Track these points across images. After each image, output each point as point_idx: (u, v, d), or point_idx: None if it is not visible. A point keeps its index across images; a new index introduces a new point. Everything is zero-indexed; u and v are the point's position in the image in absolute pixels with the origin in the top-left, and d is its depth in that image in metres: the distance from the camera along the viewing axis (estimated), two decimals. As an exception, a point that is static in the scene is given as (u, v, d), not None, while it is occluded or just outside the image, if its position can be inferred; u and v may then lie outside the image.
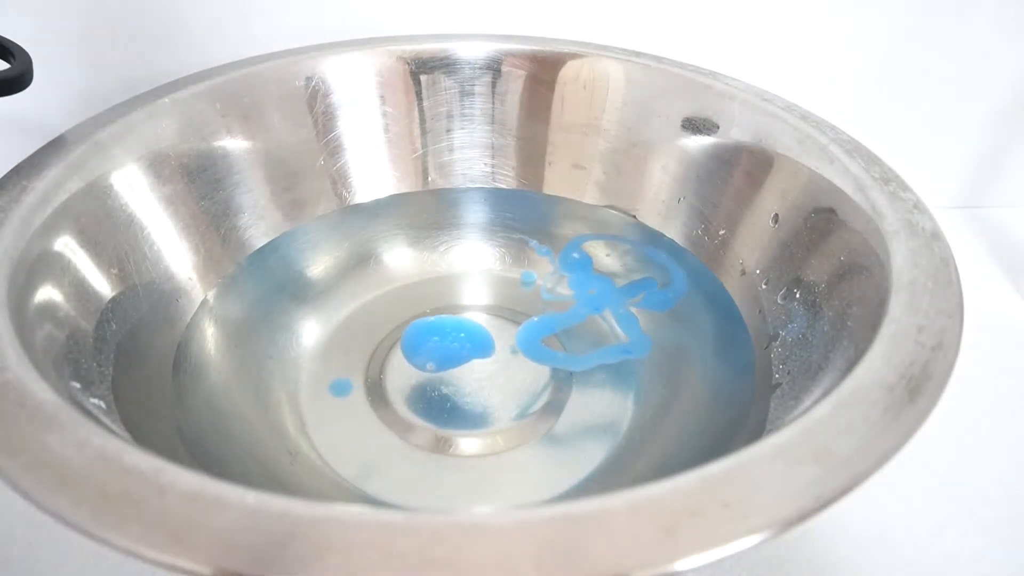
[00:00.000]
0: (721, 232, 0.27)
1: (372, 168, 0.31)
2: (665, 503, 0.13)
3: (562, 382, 0.27)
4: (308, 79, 0.29)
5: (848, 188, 0.23)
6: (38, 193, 0.21)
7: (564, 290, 0.31)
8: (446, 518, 0.12)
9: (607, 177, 0.31)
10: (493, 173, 0.32)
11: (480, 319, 0.29)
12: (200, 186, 0.26)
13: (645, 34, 0.34)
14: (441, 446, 0.25)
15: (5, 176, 0.21)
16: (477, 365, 0.27)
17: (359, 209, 0.31)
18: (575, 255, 0.31)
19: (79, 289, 0.21)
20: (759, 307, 0.25)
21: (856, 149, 0.24)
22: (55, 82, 0.31)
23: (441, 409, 0.26)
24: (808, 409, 0.15)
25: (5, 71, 0.22)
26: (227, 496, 0.13)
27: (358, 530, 0.12)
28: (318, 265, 0.30)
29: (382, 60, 0.30)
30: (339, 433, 0.25)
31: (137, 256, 0.24)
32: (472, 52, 0.31)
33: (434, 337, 0.27)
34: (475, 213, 0.32)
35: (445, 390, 0.26)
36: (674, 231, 0.29)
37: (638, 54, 0.30)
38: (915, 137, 0.39)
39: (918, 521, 0.24)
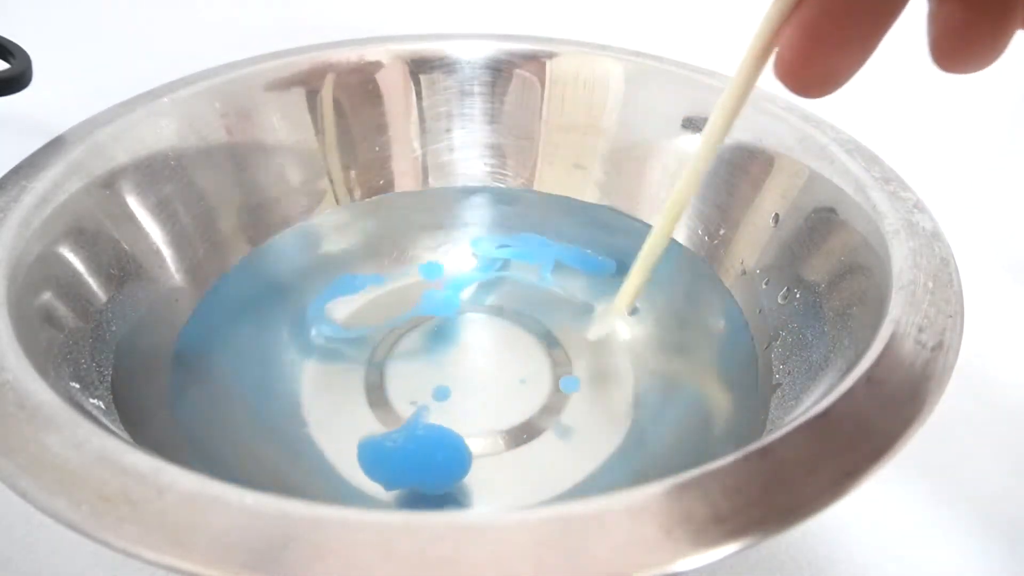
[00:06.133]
0: (721, 231, 0.27)
1: (372, 168, 0.31)
2: (665, 503, 0.13)
3: (561, 383, 0.27)
4: (308, 79, 0.29)
5: (848, 188, 0.23)
6: (37, 193, 0.21)
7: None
8: (446, 518, 0.12)
9: (607, 177, 0.31)
10: (493, 173, 0.32)
11: (479, 318, 0.29)
12: (199, 186, 0.26)
13: (645, 34, 0.34)
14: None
15: (5, 176, 0.21)
16: (478, 360, 0.27)
17: (359, 209, 0.31)
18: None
19: (78, 289, 0.21)
20: (759, 307, 0.25)
21: (856, 149, 0.24)
22: (55, 82, 0.31)
23: (441, 410, 0.26)
24: (808, 409, 0.15)
25: (5, 71, 0.22)
26: (226, 497, 0.13)
27: (358, 530, 0.12)
28: (317, 265, 0.30)
29: (382, 60, 0.30)
30: (340, 433, 0.25)
31: (136, 256, 0.24)
32: (472, 52, 0.31)
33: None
34: (475, 213, 0.32)
35: (447, 390, 0.26)
36: (675, 230, 0.29)
37: (638, 54, 0.30)
38: (915, 137, 0.39)
39: (918, 521, 0.24)
